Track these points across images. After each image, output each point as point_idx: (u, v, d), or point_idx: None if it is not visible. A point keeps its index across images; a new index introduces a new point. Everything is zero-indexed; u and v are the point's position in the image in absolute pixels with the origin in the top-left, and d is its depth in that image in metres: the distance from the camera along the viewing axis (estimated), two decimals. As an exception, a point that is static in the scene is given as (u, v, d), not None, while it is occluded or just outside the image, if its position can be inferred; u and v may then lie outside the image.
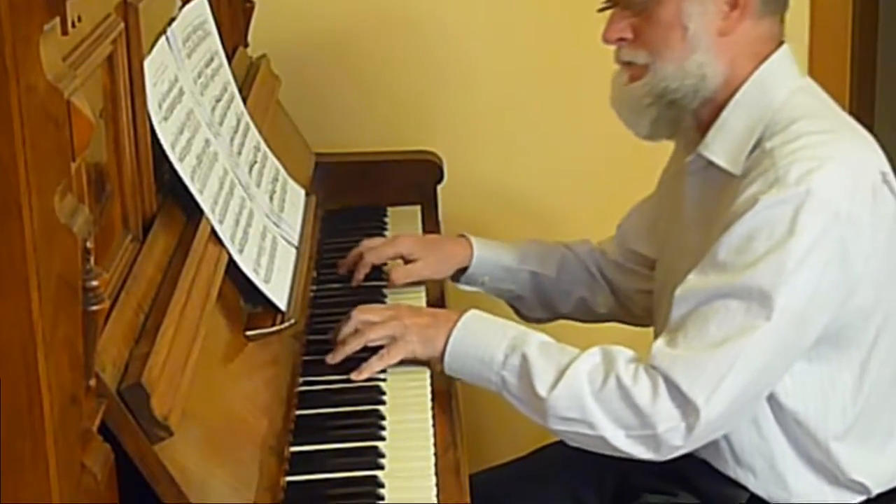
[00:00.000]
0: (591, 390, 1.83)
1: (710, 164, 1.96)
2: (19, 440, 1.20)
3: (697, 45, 1.92)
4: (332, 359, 1.96)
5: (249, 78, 2.49)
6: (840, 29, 2.97)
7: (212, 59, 2.14)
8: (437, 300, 2.26)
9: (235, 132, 2.14)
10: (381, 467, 1.74)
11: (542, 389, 1.85)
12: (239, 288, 1.90)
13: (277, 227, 2.13)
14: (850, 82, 3.03)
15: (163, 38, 1.87)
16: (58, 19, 1.22)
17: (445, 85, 2.93)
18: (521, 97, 2.93)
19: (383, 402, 1.90)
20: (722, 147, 1.94)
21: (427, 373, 1.98)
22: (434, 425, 1.86)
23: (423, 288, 2.28)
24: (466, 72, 2.93)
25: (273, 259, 2.02)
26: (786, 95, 1.92)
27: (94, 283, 1.24)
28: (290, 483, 1.70)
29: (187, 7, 2.05)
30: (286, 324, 1.93)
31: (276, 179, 2.27)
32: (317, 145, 2.72)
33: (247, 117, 2.23)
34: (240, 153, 2.12)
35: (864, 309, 1.89)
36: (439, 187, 2.72)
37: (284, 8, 2.85)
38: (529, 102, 2.93)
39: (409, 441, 1.82)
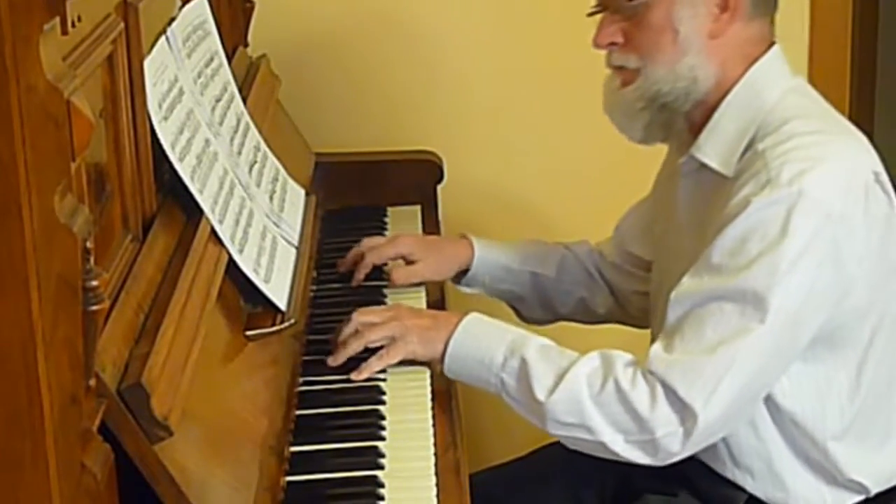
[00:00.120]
0: (589, 394, 1.83)
1: (703, 165, 1.96)
2: (19, 440, 1.20)
3: (688, 48, 1.92)
4: (333, 360, 1.96)
5: (249, 78, 2.49)
6: (840, 29, 2.97)
7: (212, 59, 2.14)
8: (438, 301, 2.26)
9: (235, 132, 2.14)
10: (381, 467, 1.74)
11: (540, 394, 1.85)
12: (239, 288, 1.90)
13: (277, 226, 2.13)
14: (850, 82, 3.03)
15: (163, 38, 1.87)
16: (58, 19, 1.22)
17: (445, 85, 2.93)
18: (520, 98, 2.93)
19: (383, 402, 1.90)
20: (714, 149, 1.94)
21: (427, 373, 1.98)
22: (434, 425, 1.86)
23: (423, 288, 2.28)
24: (466, 72, 2.93)
25: (273, 259, 2.02)
26: (777, 96, 1.92)
27: (94, 283, 1.24)
28: (290, 483, 1.70)
29: (187, 7, 2.05)
30: (286, 324, 1.93)
31: (276, 179, 2.27)
32: (317, 145, 2.72)
33: (247, 117, 2.23)
34: (240, 153, 2.12)
35: (859, 309, 1.89)
36: (439, 187, 2.72)
37: (284, 8, 2.85)
38: (528, 103, 2.93)
39: (409, 441, 1.82)
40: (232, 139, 2.10)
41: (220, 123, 2.06)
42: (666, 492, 2.03)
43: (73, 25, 1.34)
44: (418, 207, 2.66)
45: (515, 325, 2.36)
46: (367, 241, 2.33)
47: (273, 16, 2.78)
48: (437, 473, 1.75)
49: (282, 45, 2.81)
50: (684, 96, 1.94)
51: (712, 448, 1.92)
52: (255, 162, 2.19)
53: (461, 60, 2.92)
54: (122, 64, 1.64)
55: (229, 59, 2.27)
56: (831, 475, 1.95)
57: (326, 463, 1.75)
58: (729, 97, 1.94)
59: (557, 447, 1.97)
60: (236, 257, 1.87)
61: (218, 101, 2.10)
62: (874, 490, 1.97)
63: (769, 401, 1.91)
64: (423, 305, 2.23)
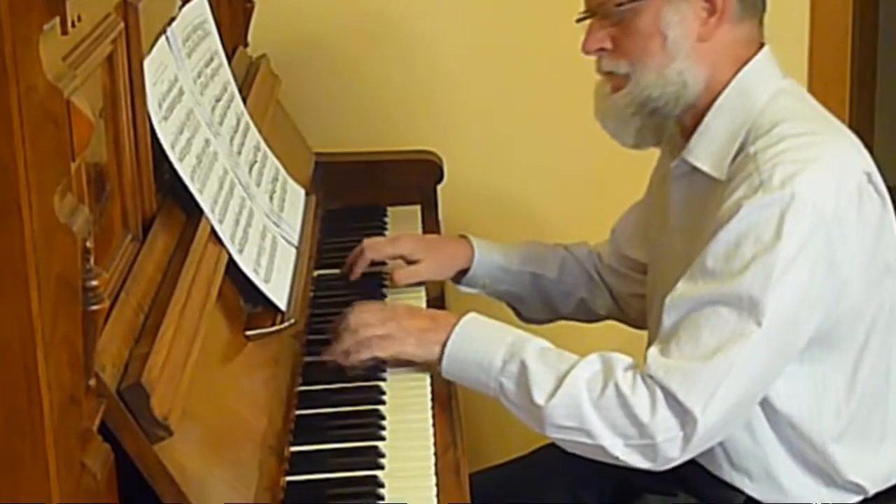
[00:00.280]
0: (589, 399, 1.82)
1: (695, 169, 1.96)
2: (19, 440, 1.20)
3: (677, 52, 1.92)
4: (328, 354, 1.96)
5: (249, 78, 2.49)
6: (840, 30, 2.97)
7: (212, 59, 2.14)
8: (437, 299, 2.27)
9: (235, 132, 2.14)
10: (381, 467, 1.74)
11: (539, 398, 1.84)
12: (239, 288, 1.90)
13: (277, 226, 2.13)
14: (851, 83, 3.03)
15: (163, 38, 1.87)
16: (57, 19, 1.22)
17: (445, 86, 2.93)
18: (520, 98, 2.93)
19: (383, 402, 1.90)
20: (705, 152, 1.94)
21: (427, 373, 1.98)
22: (434, 425, 1.86)
23: (422, 288, 2.28)
24: (466, 73, 2.93)
25: (273, 259, 2.02)
26: (768, 98, 1.92)
27: (94, 282, 1.24)
28: (290, 483, 1.70)
29: (187, 7, 2.05)
30: (286, 324, 1.93)
31: (276, 179, 2.27)
32: (317, 145, 2.72)
33: (247, 117, 2.23)
34: (240, 153, 2.12)
35: (854, 309, 1.89)
36: (439, 187, 2.72)
37: (284, 8, 2.85)
38: (528, 104, 2.93)
39: (409, 441, 1.82)
40: (232, 139, 2.10)
41: (220, 123, 2.06)
42: (665, 492, 2.03)
43: (73, 25, 1.34)
44: (418, 207, 2.66)
45: (516, 324, 2.38)
46: (368, 241, 2.33)
47: (273, 16, 2.78)
48: (437, 473, 1.75)
49: (282, 45, 2.81)
50: (674, 101, 1.94)
51: (709, 451, 1.92)
52: (255, 162, 2.19)
53: (461, 61, 2.93)
54: (122, 64, 1.64)
55: (229, 59, 2.27)
56: (829, 476, 1.95)
57: (326, 463, 1.75)
58: (719, 100, 1.94)
59: (557, 447, 1.96)
60: (236, 257, 1.87)
61: (218, 100, 2.10)
62: (872, 490, 1.96)
63: (766, 404, 1.91)
64: (423, 304, 2.23)
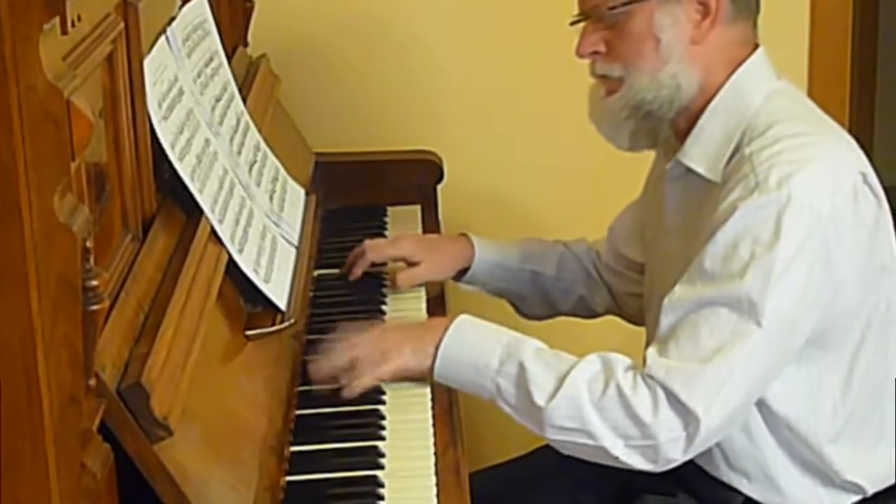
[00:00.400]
0: (590, 399, 1.81)
1: (689, 170, 1.96)
2: (19, 440, 1.20)
3: (671, 55, 1.92)
4: (319, 374, 1.92)
5: (249, 77, 2.49)
6: (840, 30, 2.97)
7: (211, 59, 2.14)
8: (437, 297, 2.27)
9: (235, 132, 2.14)
10: (381, 467, 1.74)
11: (539, 399, 1.83)
12: (239, 288, 1.90)
13: (277, 226, 2.13)
14: (851, 83, 3.03)
15: (162, 38, 1.87)
16: (57, 19, 1.22)
17: (445, 86, 2.93)
18: (519, 98, 2.93)
19: (383, 402, 1.90)
20: (700, 154, 1.94)
21: (427, 373, 1.98)
22: (434, 425, 1.86)
23: (422, 287, 2.28)
24: (466, 73, 2.93)
25: (273, 259, 2.02)
26: (762, 99, 1.92)
27: (94, 282, 1.24)
28: (290, 483, 1.70)
29: (187, 6, 2.05)
30: (286, 323, 1.93)
31: (275, 179, 2.27)
32: (317, 145, 2.72)
33: (246, 117, 2.23)
34: (239, 153, 2.12)
35: (849, 309, 1.89)
36: (439, 187, 2.72)
37: (284, 8, 2.85)
38: (528, 103, 2.93)
39: (409, 441, 1.82)
40: (232, 139, 2.10)
41: (220, 123, 2.06)
42: (664, 492, 2.03)
43: (73, 25, 1.34)
44: (418, 207, 2.67)
45: (514, 322, 2.38)
46: (369, 242, 2.33)
47: (273, 16, 2.78)
48: (437, 473, 1.75)
49: (282, 45, 2.81)
50: (668, 104, 1.94)
51: (707, 452, 1.91)
52: (255, 161, 2.19)
53: (461, 61, 2.92)
54: (122, 63, 1.64)
55: (229, 58, 2.27)
56: (827, 477, 1.95)
57: (326, 463, 1.75)
58: (714, 102, 1.94)
59: (557, 447, 1.97)
60: (236, 257, 1.87)
61: (218, 100, 2.10)
62: (871, 490, 1.96)
63: (762, 405, 1.91)
64: (423, 303, 2.24)
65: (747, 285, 1.79)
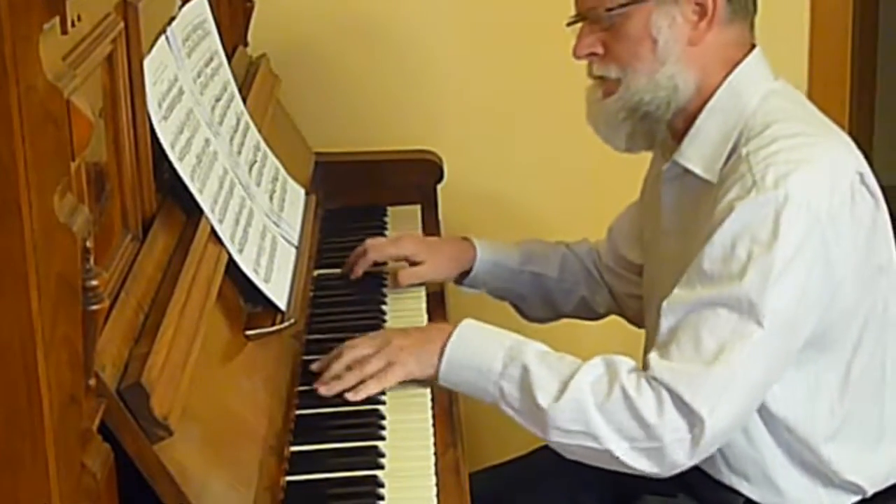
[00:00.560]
0: (595, 402, 1.81)
1: (686, 171, 1.96)
2: (19, 440, 1.20)
3: (667, 56, 1.92)
4: (328, 390, 1.91)
5: (249, 77, 2.49)
6: (840, 30, 2.97)
7: (211, 59, 2.14)
8: (437, 298, 2.27)
9: (235, 131, 2.14)
10: (381, 467, 1.74)
11: (543, 401, 1.83)
12: (239, 288, 1.90)
13: (277, 226, 2.13)
14: (851, 83, 3.03)
15: (162, 38, 1.87)
16: (57, 18, 1.22)
17: (444, 86, 2.93)
18: (519, 98, 2.93)
19: (383, 402, 1.90)
20: (697, 154, 1.94)
21: (427, 373, 1.98)
22: (434, 425, 1.86)
23: (422, 287, 2.28)
24: (466, 72, 2.93)
25: (273, 258, 2.02)
26: (759, 100, 1.92)
27: (94, 282, 1.24)
28: (290, 483, 1.70)
29: (187, 6, 2.05)
30: (286, 323, 1.93)
31: (275, 179, 2.27)
32: (317, 145, 2.72)
33: (246, 117, 2.23)
34: (239, 152, 2.12)
35: (847, 309, 1.89)
36: (439, 187, 2.72)
37: (284, 8, 2.85)
38: (528, 103, 2.93)
39: (409, 441, 1.82)
40: (232, 139, 2.10)
41: (220, 123, 2.06)
42: (664, 493, 2.03)
43: (73, 25, 1.34)
44: (418, 207, 2.67)
45: (516, 324, 2.37)
46: (370, 241, 2.33)
47: (273, 16, 2.78)
48: (437, 473, 1.75)
49: (282, 45, 2.81)
50: (665, 105, 1.94)
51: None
52: (255, 161, 2.19)
53: (461, 61, 2.92)
54: (122, 63, 1.64)
55: (229, 58, 2.27)
56: (827, 477, 1.95)
57: (326, 463, 1.75)
58: (711, 103, 1.94)
59: (557, 447, 1.96)
60: (236, 257, 1.87)
61: (218, 100, 2.10)
62: (871, 490, 1.96)
63: (761, 407, 1.90)
64: (423, 303, 2.24)
65: (746, 286, 1.79)
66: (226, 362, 1.76)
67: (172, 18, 1.96)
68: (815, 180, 1.82)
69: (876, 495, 1.97)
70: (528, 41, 2.88)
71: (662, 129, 1.99)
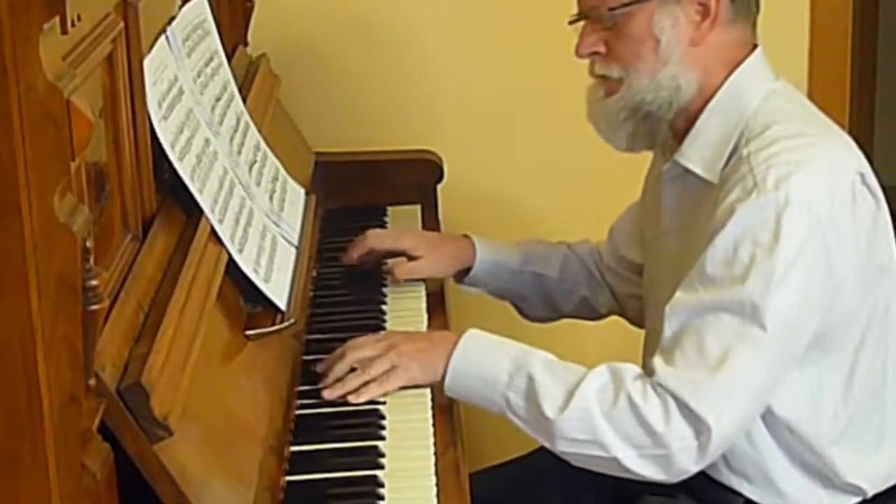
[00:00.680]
0: (601, 410, 1.81)
1: (687, 171, 1.96)
2: (19, 440, 1.20)
3: (670, 56, 1.92)
4: (330, 394, 1.91)
5: (249, 77, 2.49)
6: (840, 30, 2.97)
7: (211, 59, 2.14)
8: (437, 295, 2.27)
9: (235, 131, 2.14)
10: (381, 467, 1.74)
11: (550, 411, 1.83)
12: (239, 287, 1.90)
13: (277, 226, 2.13)
14: (851, 83, 3.03)
15: (162, 38, 1.87)
16: (57, 18, 1.22)
17: (444, 85, 2.93)
18: (519, 98, 2.93)
19: (383, 403, 1.90)
20: (697, 154, 1.94)
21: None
22: (434, 425, 1.86)
23: (422, 284, 2.29)
24: (466, 72, 2.93)
25: (273, 258, 2.02)
26: (760, 100, 1.92)
27: (94, 282, 1.24)
28: (290, 483, 1.70)
29: (187, 6, 2.05)
30: (286, 323, 1.93)
31: (275, 179, 2.27)
32: (317, 145, 2.72)
33: (246, 116, 2.23)
34: (239, 152, 2.12)
35: (849, 310, 1.89)
36: (439, 187, 2.72)
37: (284, 8, 2.85)
38: (528, 103, 2.93)
39: (409, 441, 1.82)
40: (232, 138, 2.10)
41: (220, 123, 2.06)
42: (664, 494, 2.02)
43: (73, 25, 1.34)
44: (418, 207, 2.67)
45: (516, 323, 2.38)
46: (372, 231, 2.34)
47: (273, 16, 2.78)
48: (437, 473, 1.75)
49: (282, 45, 2.81)
50: (667, 105, 1.94)
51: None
52: (255, 161, 2.19)
53: (461, 61, 2.92)
54: (122, 63, 1.64)
55: (229, 58, 2.27)
56: (828, 479, 1.95)
57: (326, 463, 1.75)
58: (712, 103, 1.94)
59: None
60: (236, 257, 1.87)
61: (218, 100, 2.10)
62: (871, 492, 1.96)
63: (764, 408, 1.91)
64: (423, 302, 2.24)
65: (749, 289, 1.79)
66: (226, 362, 1.76)
67: (172, 18, 1.96)
68: (816, 181, 1.82)
69: (876, 496, 1.97)
70: (528, 41, 2.88)
71: (664, 128, 1.98)
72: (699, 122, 1.94)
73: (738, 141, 1.90)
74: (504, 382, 1.87)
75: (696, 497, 2.01)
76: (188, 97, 1.92)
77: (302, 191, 2.38)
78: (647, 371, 1.84)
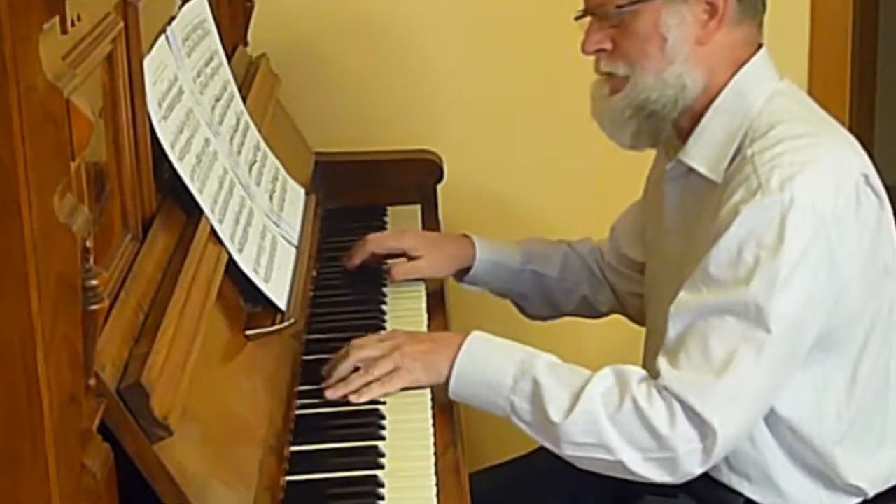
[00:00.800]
0: (606, 414, 1.81)
1: (691, 170, 1.96)
2: (19, 440, 1.20)
3: (676, 55, 1.92)
4: (333, 393, 1.91)
5: (249, 77, 2.49)
6: (840, 30, 2.97)
7: (211, 58, 2.14)
8: (437, 294, 2.27)
9: (235, 131, 2.14)
10: (381, 467, 1.74)
11: (555, 415, 1.83)
12: (239, 287, 1.90)
13: (277, 226, 2.13)
14: (851, 83, 3.03)
15: (162, 37, 1.87)
16: (57, 18, 1.22)
17: (445, 85, 2.93)
18: (520, 97, 2.93)
19: (383, 402, 1.90)
20: (701, 154, 1.94)
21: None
22: (434, 425, 1.86)
23: (422, 284, 2.29)
24: (466, 72, 2.93)
25: (273, 258, 2.02)
26: (764, 100, 1.92)
27: (94, 282, 1.24)
28: (290, 483, 1.70)
29: (187, 6, 2.05)
30: (286, 323, 1.93)
31: (275, 178, 2.27)
32: (317, 145, 2.72)
33: (246, 116, 2.23)
34: (239, 152, 2.12)
35: (853, 311, 1.89)
36: (439, 187, 2.72)
37: (284, 8, 2.85)
38: (528, 103, 2.93)
39: (409, 441, 1.82)
40: (231, 138, 2.10)
41: (220, 123, 2.06)
42: (664, 494, 2.02)
43: (73, 24, 1.34)
44: (418, 207, 2.67)
45: (517, 321, 2.37)
46: (372, 235, 2.33)
47: (273, 16, 2.78)
48: (437, 473, 1.75)
49: (282, 45, 2.81)
50: (672, 104, 1.94)
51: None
52: (255, 161, 2.19)
53: (461, 61, 2.92)
54: (122, 63, 1.64)
55: (229, 58, 2.27)
56: (829, 479, 1.95)
57: (326, 463, 1.75)
58: (716, 102, 1.94)
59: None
60: (236, 257, 1.87)
61: (218, 100, 2.10)
62: (871, 493, 1.96)
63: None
64: (423, 302, 2.23)
65: (753, 291, 1.78)
66: (226, 362, 1.76)
67: (172, 18, 1.96)
68: (820, 182, 1.82)
69: (877, 497, 1.97)
70: (528, 41, 2.88)
71: (668, 127, 1.98)
72: (703, 122, 1.94)
73: (743, 141, 1.90)
74: (509, 387, 1.87)
75: (697, 497, 2.01)
76: (188, 97, 1.92)
77: (302, 191, 2.37)
78: (651, 372, 1.84)
